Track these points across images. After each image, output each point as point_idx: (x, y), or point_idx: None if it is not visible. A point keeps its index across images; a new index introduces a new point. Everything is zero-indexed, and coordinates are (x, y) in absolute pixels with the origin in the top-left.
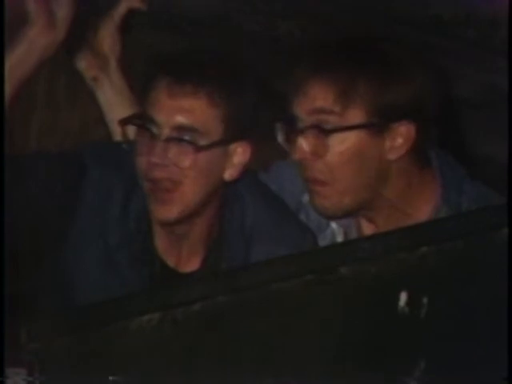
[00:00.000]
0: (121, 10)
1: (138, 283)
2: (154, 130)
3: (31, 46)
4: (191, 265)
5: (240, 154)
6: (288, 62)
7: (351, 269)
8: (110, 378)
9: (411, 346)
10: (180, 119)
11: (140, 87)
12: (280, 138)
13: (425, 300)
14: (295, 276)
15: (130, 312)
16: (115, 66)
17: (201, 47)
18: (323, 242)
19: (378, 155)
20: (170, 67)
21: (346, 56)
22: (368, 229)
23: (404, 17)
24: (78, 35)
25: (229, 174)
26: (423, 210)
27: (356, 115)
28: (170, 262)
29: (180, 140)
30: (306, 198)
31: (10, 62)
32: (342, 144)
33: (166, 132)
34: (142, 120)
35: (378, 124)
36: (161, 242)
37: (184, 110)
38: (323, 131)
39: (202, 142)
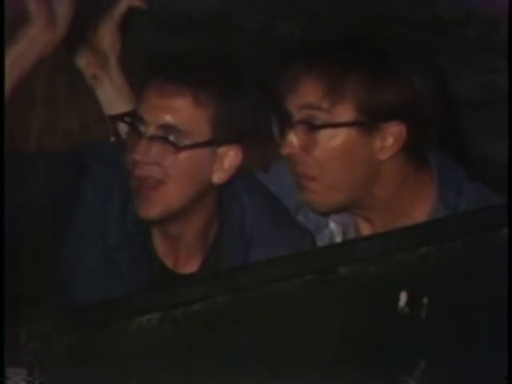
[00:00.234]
0: (121, 8)
1: (137, 283)
2: (142, 128)
3: (31, 44)
4: (190, 266)
5: (232, 156)
6: (283, 60)
7: (351, 269)
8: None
9: (411, 346)
10: (165, 118)
11: (138, 85)
12: (275, 133)
13: (425, 300)
14: (295, 276)
15: (130, 312)
16: (115, 64)
17: (200, 47)
18: (322, 242)
19: (368, 154)
20: (162, 67)
21: (339, 54)
22: (365, 228)
23: (404, 17)
24: (78, 33)
25: (218, 177)
26: (420, 210)
27: (345, 113)
28: (169, 263)
29: (164, 139)
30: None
31: (9, 59)
32: (331, 140)
33: (151, 130)
34: (131, 118)
35: (368, 123)
36: (159, 242)
37: (170, 109)
38: (312, 127)
39: (185, 142)
